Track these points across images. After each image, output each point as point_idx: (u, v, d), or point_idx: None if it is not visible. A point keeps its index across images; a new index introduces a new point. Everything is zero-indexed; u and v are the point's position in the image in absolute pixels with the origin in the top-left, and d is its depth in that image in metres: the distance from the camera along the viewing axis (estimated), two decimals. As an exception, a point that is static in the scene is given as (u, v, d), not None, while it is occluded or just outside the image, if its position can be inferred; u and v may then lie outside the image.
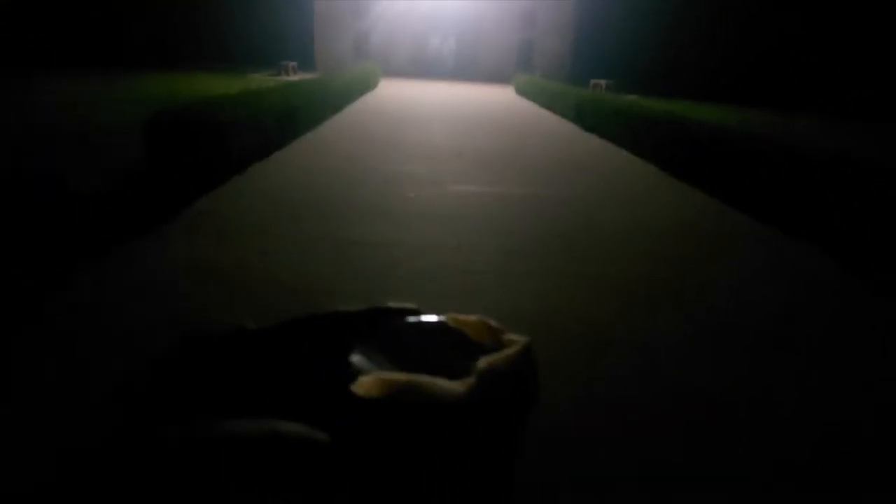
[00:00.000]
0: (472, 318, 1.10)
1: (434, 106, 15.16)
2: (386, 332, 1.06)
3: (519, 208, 5.52)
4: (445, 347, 1.03)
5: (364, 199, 5.42)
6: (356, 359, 0.97)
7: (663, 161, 7.78)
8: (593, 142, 10.36)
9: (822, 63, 29.27)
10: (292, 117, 8.18)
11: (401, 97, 17.22)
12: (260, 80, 19.89)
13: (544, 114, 14.70)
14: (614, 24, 31.60)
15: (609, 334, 2.99)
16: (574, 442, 2.10)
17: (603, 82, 23.31)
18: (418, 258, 3.96)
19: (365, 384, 0.89)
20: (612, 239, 4.69)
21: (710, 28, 31.59)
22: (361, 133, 9.73)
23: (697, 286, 3.74)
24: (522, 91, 19.96)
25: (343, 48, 29.13)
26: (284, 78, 21.67)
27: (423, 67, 30.01)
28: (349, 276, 3.58)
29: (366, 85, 17.29)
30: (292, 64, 23.50)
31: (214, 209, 4.82)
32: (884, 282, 3.92)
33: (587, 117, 11.55)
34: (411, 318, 1.11)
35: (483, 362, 0.92)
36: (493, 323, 1.08)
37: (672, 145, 7.55)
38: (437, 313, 1.12)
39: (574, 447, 2.07)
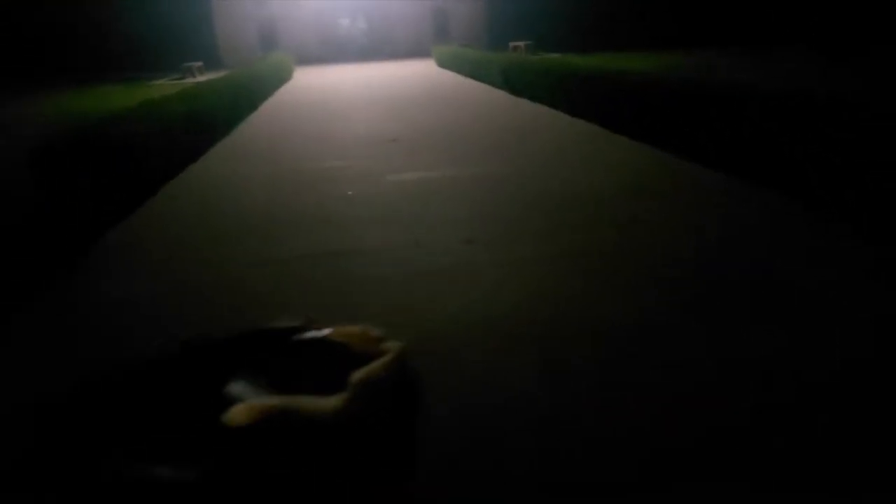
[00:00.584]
0: (356, 328, 1.04)
1: (355, 90, 14.49)
2: (268, 353, 1.03)
3: (467, 190, 5.16)
4: (328, 363, 1.02)
5: (296, 206, 4.92)
6: (233, 387, 0.93)
7: (601, 118, 7.59)
8: (524, 106, 10.09)
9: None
10: (202, 124, 7.46)
11: (318, 86, 16.40)
12: (163, 86, 18.51)
13: (471, 84, 14.31)
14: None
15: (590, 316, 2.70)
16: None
17: (522, 44, 23.10)
18: (373, 265, 3.55)
19: (236, 414, 0.82)
20: (574, 211, 4.41)
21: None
22: (282, 130, 9.07)
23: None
24: (445, 63, 19.43)
25: (249, 41, 27.57)
26: (190, 80, 20.27)
27: (336, 50, 28.86)
28: (310, 297, 3.13)
29: (278, 77, 16.35)
30: (197, 64, 22.01)
31: (128, 240, 4.22)
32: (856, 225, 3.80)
33: (515, 82, 11.25)
34: (295, 336, 1.05)
35: (357, 374, 0.90)
36: (374, 332, 1.01)
37: (608, 100, 7.35)
38: (322, 327, 1.04)
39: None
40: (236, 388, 0.96)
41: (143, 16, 29.12)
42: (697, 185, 4.94)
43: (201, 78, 20.53)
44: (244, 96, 10.38)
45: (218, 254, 3.85)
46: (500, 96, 11.59)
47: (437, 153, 6.79)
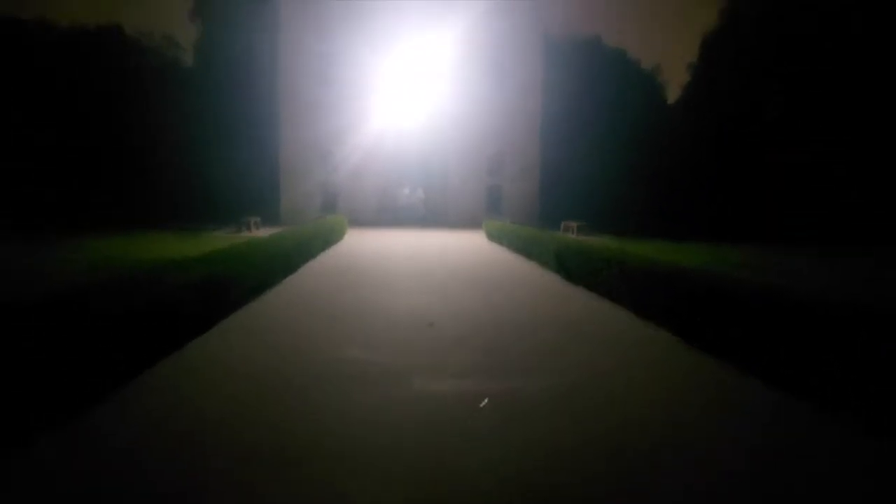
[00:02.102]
0: None
1: (402, 258, 13.97)
2: None
3: (522, 421, 3.83)
4: None
5: (276, 431, 3.68)
6: None
7: (680, 328, 6.33)
8: (581, 298, 9.00)
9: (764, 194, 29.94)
10: (218, 290, 6.64)
11: (366, 250, 16.11)
12: (216, 238, 18.80)
13: (521, 263, 13.57)
14: (577, 166, 32.48)
15: None
16: None
17: (574, 224, 22.93)
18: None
19: None
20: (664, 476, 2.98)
21: (668, 166, 32.69)
22: (310, 302, 8.21)
23: None
24: (495, 237, 19.16)
25: (310, 200, 28.80)
26: (246, 234, 20.69)
27: (393, 216, 29.75)
28: None
29: (328, 239, 16.23)
30: (255, 219, 22.71)
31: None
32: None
33: (571, 267, 10.34)
34: None
35: None
36: None
37: (690, 308, 6.13)
38: None
39: None
40: None
41: (220, 168, 31.38)
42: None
43: (256, 232, 20.98)
44: (279, 260, 9.80)
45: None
46: (552, 281, 10.62)
47: (477, 352, 5.59)
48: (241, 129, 33.03)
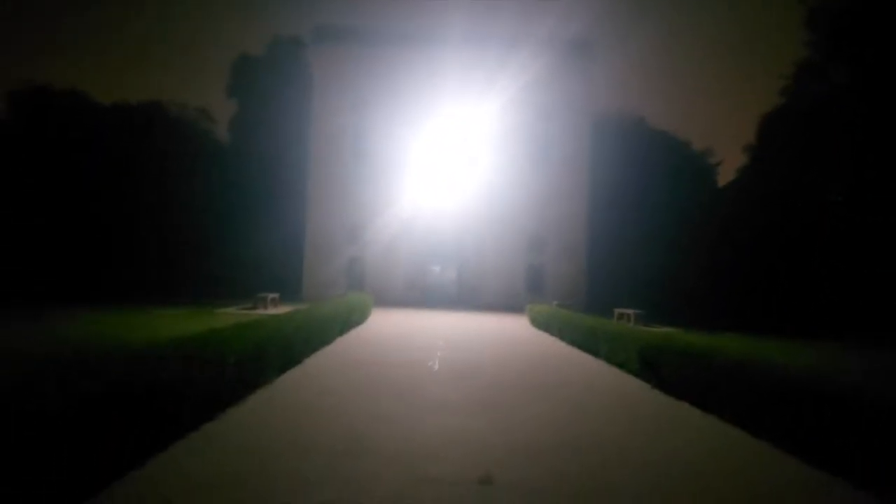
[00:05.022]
0: None
1: (431, 351, 11.37)
2: None
3: None
4: None
5: None
6: None
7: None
8: (704, 425, 6.23)
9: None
10: (166, 400, 4.21)
11: (391, 337, 13.55)
12: (225, 315, 16.63)
13: (585, 361, 10.79)
14: (626, 248, 29.88)
15: None
16: None
17: (631, 312, 20.07)
18: None
19: None
20: None
21: (726, 254, 29.80)
22: (311, 423, 5.66)
23: None
24: (542, 324, 16.39)
25: (335, 276, 26.66)
26: (261, 311, 18.48)
27: (422, 296, 27.27)
28: None
29: (348, 320, 13.82)
30: (272, 296, 20.55)
31: None
32: None
33: (665, 372, 7.61)
34: None
35: None
36: None
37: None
38: None
39: None
40: None
41: (247, 244, 29.80)
42: None
43: (272, 310, 18.76)
44: (275, 348, 7.35)
45: None
46: (639, 392, 7.85)
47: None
48: (270, 204, 31.80)
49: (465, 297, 27.27)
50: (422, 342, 12.50)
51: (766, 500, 4.10)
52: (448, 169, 27.34)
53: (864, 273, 25.59)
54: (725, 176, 35.73)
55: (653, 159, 32.61)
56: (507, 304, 25.61)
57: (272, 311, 18.37)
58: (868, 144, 26.59)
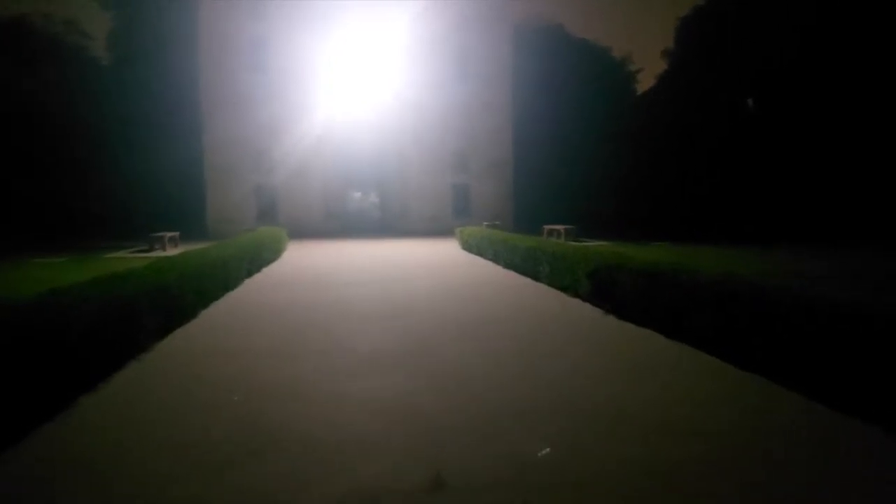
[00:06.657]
0: None
1: (356, 289, 10.05)
2: None
3: None
4: None
5: None
6: None
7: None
8: (683, 354, 5.40)
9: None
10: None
11: (308, 276, 12.05)
12: (112, 260, 14.42)
13: (529, 289, 9.88)
14: (551, 165, 29.15)
15: None
16: None
17: (561, 227, 19.50)
18: None
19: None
20: None
21: (645, 162, 29.86)
22: (196, 405, 4.26)
23: None
24: (474, 248, 15.37)
25: (243, 211, 24.25)
26: (158, 254, 16.26)
27: (343, 225, 25.53)
28: None
29: (258, 259, 12.14)
30: (171, 235, 18.20)
31: None
32: None
33: (621, 295, 6.74)
34: None
35: None
36: None
37: None
38: None
39: None
40: None
41: (139, 177, 26.39)
42: None
43: (172, 251, 16.58)
44: (151, 305, 5.75)
45: None
46: (591, 319, 6.99)
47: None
48: (162, 131, 28.02)
49: (390, 224, 25.82)
50: (340, 277, 11.14)
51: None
52: (362, 83, 24.92)
53: (787, 180, 26.38)
54: (648, 83, 35.41)
55: (574, 69, 31.45)
56: (434, 229, 24.45)
57: (171, 252, 16.21)
58: (779, 46, 26.66)
